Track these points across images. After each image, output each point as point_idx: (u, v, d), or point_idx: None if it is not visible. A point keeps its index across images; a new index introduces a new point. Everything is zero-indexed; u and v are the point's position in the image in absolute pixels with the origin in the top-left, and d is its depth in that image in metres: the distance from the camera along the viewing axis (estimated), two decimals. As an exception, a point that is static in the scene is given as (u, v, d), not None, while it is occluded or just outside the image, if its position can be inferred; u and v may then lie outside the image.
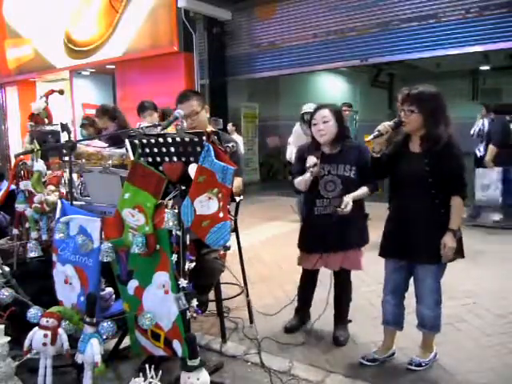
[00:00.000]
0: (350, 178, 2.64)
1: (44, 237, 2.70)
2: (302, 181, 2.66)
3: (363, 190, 2.64)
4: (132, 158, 2.19)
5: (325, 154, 2.67)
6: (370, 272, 3.63)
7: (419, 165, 2.31)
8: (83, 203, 2.54)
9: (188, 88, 8.10)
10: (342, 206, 2.51)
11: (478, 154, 6.15)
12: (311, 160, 2.59)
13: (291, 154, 5.58)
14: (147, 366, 1.96)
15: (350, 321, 2.93)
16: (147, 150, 2.11)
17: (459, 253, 2.39)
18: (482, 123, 6.25)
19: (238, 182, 2.72)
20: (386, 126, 2.34)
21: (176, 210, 1.99)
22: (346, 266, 2.76)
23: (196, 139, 1.98)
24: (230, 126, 8.53)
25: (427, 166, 2.28)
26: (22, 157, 2.81)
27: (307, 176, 2.61)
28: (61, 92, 3.49)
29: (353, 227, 2.68)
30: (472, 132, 6.30)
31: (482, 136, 6.17)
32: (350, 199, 2.53)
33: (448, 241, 2.26)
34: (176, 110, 2.74)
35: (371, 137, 2.39)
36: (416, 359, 2.47)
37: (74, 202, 2.46)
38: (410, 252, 2.37)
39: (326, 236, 2.66)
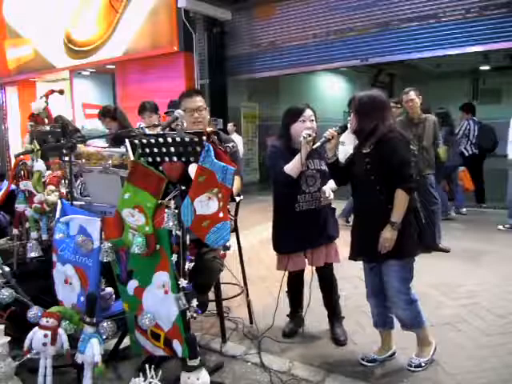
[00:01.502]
0: (326, 171, 2.72)
1: (44, 237, 2.70)
2: (294, 164, 2.61)
3: (333, 183, 2.73)
4: (132, 158, 2.19)
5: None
6: (370, 272, 3.63)
7: (361, 164, 2.40)
8: (83, 203, 2.54)
9: (188, 88, 8.11)
10: (327, 195, 2.62)
11: (466, 154, 6.63)
12: (306, 131, 2.60)
13: (342, 154, 5.23)
14: (147, 366, 1.97)
15: (343, 317, 2.94)
16: (147, 150, 2.11)
17: (416, 248, 2.40)
18: (466, 124, 6.65)
19: (237, 181, 2.73)
20: (331, 131, 2.48)
21: (176, 210, 1.99)
22: (329, 260, 2.80)
23: (196, 139, 1.98)
24: (230, 126, 8.52)
25: (368, 164, 2.36)
26: (21, 157, 2.81)
27: (302, 154, 2.59)
28: (61, 92, 3.49)
29: (329, 220, 2.78)
30: (457, 132, 6.63)
31: (467, 136, 6.63)
32: (329, 189, 2.65)
33: (384, 232, 2.29)
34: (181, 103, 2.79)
35: (318, 144, 2.51)
36: (415, 360, 2.46)
37: (74, 202, 2.46)
38: (367, 253, 2.44)
39: (309, 232, 2.69)
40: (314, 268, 2.83)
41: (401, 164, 2.31)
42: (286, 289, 2.99)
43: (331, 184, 2.73)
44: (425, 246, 2.43)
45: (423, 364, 2.45)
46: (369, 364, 2.54)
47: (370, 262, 2.49)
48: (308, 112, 2.71)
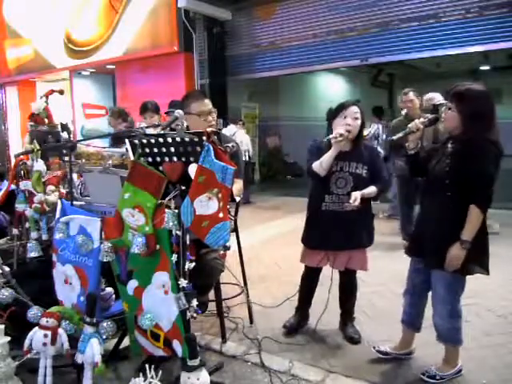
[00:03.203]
0: (362, 176, 2.64)
1: (44, 237, 2.70)
2: (323, 161, 2.58)
3: (372, 189, 2.63)
4: (132, 157, 2.19)
5: (340, 151, 2.61)
6: (371, 272, 3.63)
7: (441, 164, 2.23)
8: (83, 203, 2.54)
9: (188, 88, 8.11)
10: (351, 201, 2.50)
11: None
12: (337, 131, 2.54)
13: None
14: (147, 366, 1.97)
15: (355, 317, 2.94)
16: (147, 150, 2.11)
17: (481, 267, 2.25)
18: (376, 127, 6.98)
19: (238, 184, 2.72)
20: (416, 123, 2.33)
21: (176, 210, 1.99)
22: (352, 266, 2.77)
23: (196, 139, 1.98)
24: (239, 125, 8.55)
25: (447, 167, 2.18)
26: (21, 157, 2.81)
27: (329, 153, 2.55)
28: (61, 92, 3.49)
29: (360, 227, 2.70)
30: (367, 134, 6.92)
31: (377, 139, 6.97)
32: (358, 195, 2.52)
33: (452, 249, 2.14)
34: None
35: (400, 134, 2.40)
36: (432, 370, 2.36)
37: (74, 202, 2.46)
38: (423, 253, 2.32)
39: (332, 233, 2.66)
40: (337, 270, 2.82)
41: (483, 180, 2.11)
42: (300, 283, 2.97)
43: (369, 190, 2.61)
44: (485, 266, 2.28)
45: (438, 377, 2.33)
46: (380, 355, 2.53)
47: (422, 259, 2.36)
48: (352, 108, 2.61)
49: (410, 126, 2.36)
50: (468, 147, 2.14)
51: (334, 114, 2.67)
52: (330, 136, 2.56)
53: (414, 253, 2.43)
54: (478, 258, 2.24)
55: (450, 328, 2.32)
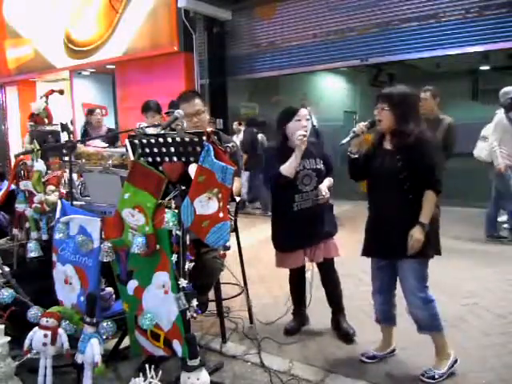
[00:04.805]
0: (321, 170, 2.79)
1: (44, 237, 2.70)
2: (290, 164, 2.66)
3: (330, 179, 2.82)
4: (132, 157, 2.19)
5: None
6: (370, 271, 3.62)
7: (391, 161, 2.36)
8: (83, 203, 2.54)
9: (188, 88, 8.10)
10: (324, 194, 2.65)
11: None
12: (300, 132, 2.66)
13: (482, 150, 5.12)
14: (147, 366, 1.97)
15: (345, 313, 2.95)
16: (147, 150, 2.11)
17: (435, 249, 2.39)
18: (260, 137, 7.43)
19: (237, 182, 2.73)
20: (360, 126, 2.46)
21: (176, 210, 1.99)
22: (328, 256, 2.82)
23: (196, 139, 1.99)
24: (235, 125, 8.52)
25: (399, 162, 2.32)
26: (21, 157, 2.81)
27: (295, 154, 2.65)
28: (61, 92, 3.49)
29: (327, 217, 2.81)
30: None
31: None
32: (325, 187, 2.70)
33: (414, 232, 2.26)
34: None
35: (347, 139, 2.48)
36: (430, 372, 2.37)
37: (74, 202, 2.46)
38: (387, 250, 2.40)
39: (308, 230, 2.72)
40: (316, 265, 2.85)
41: (434, 167, 2.31)
42: (289, 287, 3.01)
43: (327, 182, 2.78)
44: (439, 248, 2.43)
45: (437, 376, 2.35)
46: (369, 361, 2.54)
47: (386, 258, 2.45)
48: (303, 111, 2.75)
49: (354, 129, 2.46)
50: (417, 142, 2.29)
51: (285, 119, 2.77)
52: (296, 139, 2.63)
53: (375, 253, 2.48)
54: (433, 242, 2.37)
55: (429, 315, 2.37)
